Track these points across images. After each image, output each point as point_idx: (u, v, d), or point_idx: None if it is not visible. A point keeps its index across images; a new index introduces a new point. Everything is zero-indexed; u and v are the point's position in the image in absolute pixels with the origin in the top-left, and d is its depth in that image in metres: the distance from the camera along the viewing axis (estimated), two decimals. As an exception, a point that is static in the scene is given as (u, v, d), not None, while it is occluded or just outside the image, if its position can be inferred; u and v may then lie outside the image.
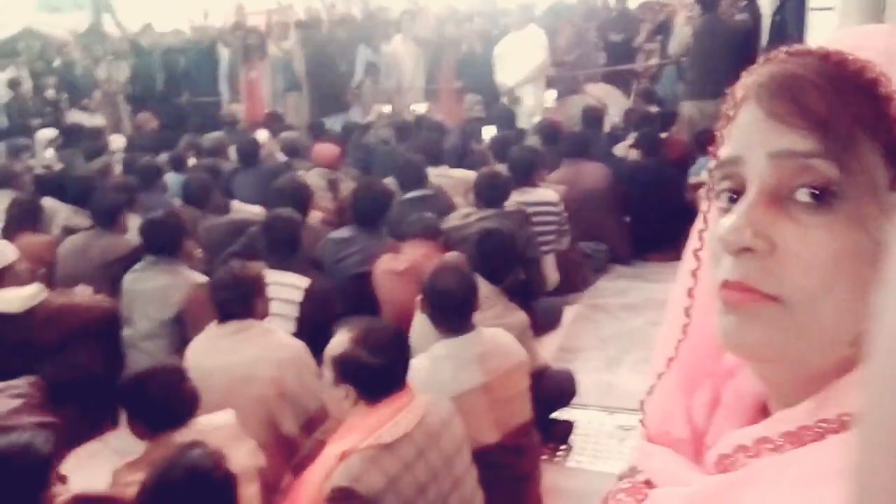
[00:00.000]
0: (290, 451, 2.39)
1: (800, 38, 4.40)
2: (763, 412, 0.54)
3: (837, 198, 0.45)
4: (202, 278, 3.22)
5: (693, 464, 0.54)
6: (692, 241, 0.57)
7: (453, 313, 2.32)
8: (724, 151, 0.51)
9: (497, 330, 2.44)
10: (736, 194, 0.50)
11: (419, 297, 2.40)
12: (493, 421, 2.28)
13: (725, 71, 6.05)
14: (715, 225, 0.51)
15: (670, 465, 0.55)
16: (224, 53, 8.52)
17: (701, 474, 0.52)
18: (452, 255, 2.60)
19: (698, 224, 0.56)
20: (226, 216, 4.33)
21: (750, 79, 0.50)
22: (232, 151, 5.85)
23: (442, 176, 4.90)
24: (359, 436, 1.80)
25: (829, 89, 0.45)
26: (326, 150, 5.35)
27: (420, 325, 2.47)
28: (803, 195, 0.46)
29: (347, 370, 1.91)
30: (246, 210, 4.57)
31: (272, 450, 2.32)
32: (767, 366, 0.51)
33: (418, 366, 2.15)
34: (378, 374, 1.88)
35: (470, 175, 4.65)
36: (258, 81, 8.00)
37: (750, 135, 0.49)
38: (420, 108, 7.41)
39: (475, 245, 2.89)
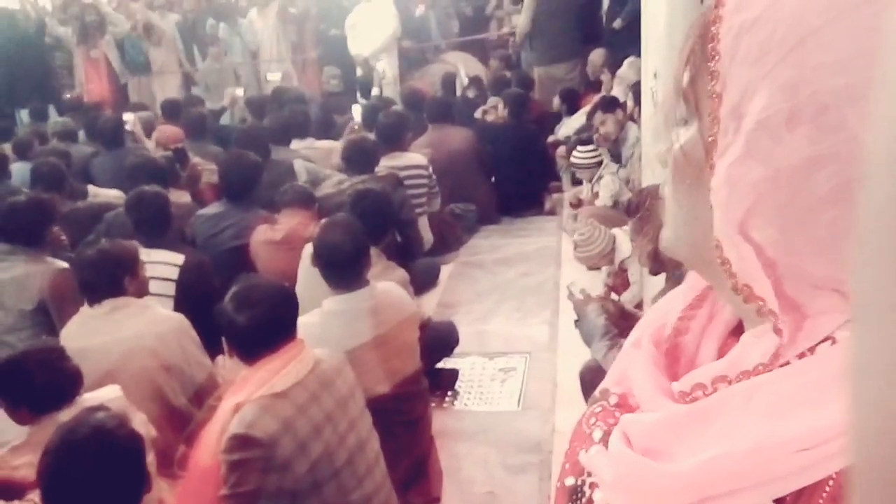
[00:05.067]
0: (180, 423, 2.38)
1: (635, 4, 4.69)
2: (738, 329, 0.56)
3: (691, 119, 0.50)
4: (63, 265, 3.07)
5: (667, 383, 0.54)
6: None
7: (345, 269, 2.35)
8: None
9: (389, 283, 2.50)
10: None
11: (307, 255, 2.40)
12: (386, 372, 2.35)
13: (570, 37, 6.39)
14: None
15: (645, 382, 0.55)
16: (61, 34, 7.94)
17: (670, 400, 0.52)
18: (339, 216, 2.62)
19: None
20: (86, 201, 4.12)
21: None
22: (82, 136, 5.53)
23: (309, 148, 4.88)
24: (251, 388, 1.83)
25: (697, 31, 0.49)
26: (169, 131, 5.28)
27: (304, 284, 2.50)
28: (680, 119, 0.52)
29: (221, 328, 1.93)
30: (104, 194, 4.36)
31: (162, 422, 2.29)
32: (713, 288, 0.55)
33: (308, 322, 2.19)
34: (251, 331, 1.88)
35: (336, 146, 4.66)
36: (102, 60, 7.52)
37: None
38: (275, 77, 7.24)
39: (351, 206, 2.93)
